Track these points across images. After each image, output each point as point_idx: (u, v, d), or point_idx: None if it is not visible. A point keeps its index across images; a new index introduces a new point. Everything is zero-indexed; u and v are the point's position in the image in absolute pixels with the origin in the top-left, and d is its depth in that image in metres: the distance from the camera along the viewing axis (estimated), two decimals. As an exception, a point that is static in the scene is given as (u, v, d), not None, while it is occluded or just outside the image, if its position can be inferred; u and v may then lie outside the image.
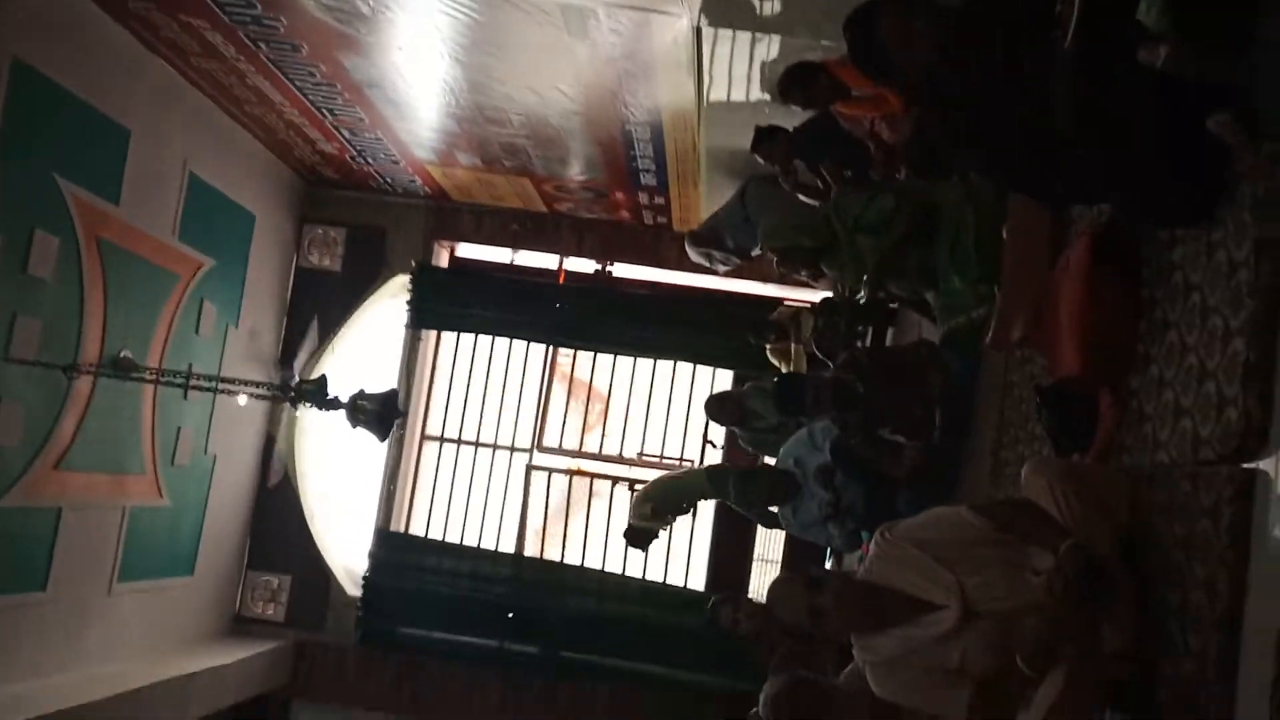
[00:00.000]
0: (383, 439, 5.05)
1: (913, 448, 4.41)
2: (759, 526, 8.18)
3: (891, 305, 6.07)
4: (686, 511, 7.04)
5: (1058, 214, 3.16)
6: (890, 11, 2.65)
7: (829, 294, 6.34)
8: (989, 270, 3.76)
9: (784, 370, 6.77)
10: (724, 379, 8.40)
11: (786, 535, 7.41)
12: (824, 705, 3.54)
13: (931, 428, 4.33)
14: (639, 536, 6.76)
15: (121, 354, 5.97)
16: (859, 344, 5.84)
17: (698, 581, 8.25)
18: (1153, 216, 2.47)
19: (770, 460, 6.40)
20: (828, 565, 5.87)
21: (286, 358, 7.95)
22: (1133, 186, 2.32)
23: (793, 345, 6.75)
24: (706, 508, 8.33)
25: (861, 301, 5.19)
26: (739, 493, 5.58)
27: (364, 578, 7.94)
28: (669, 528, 6.99)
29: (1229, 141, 2.21)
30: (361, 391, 4.95)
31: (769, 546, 8.27)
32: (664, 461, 8.61)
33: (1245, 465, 2.13)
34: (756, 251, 6.02)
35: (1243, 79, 2.19)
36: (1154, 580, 2.35)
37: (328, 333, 8.06)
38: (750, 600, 4.90)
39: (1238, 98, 2.20)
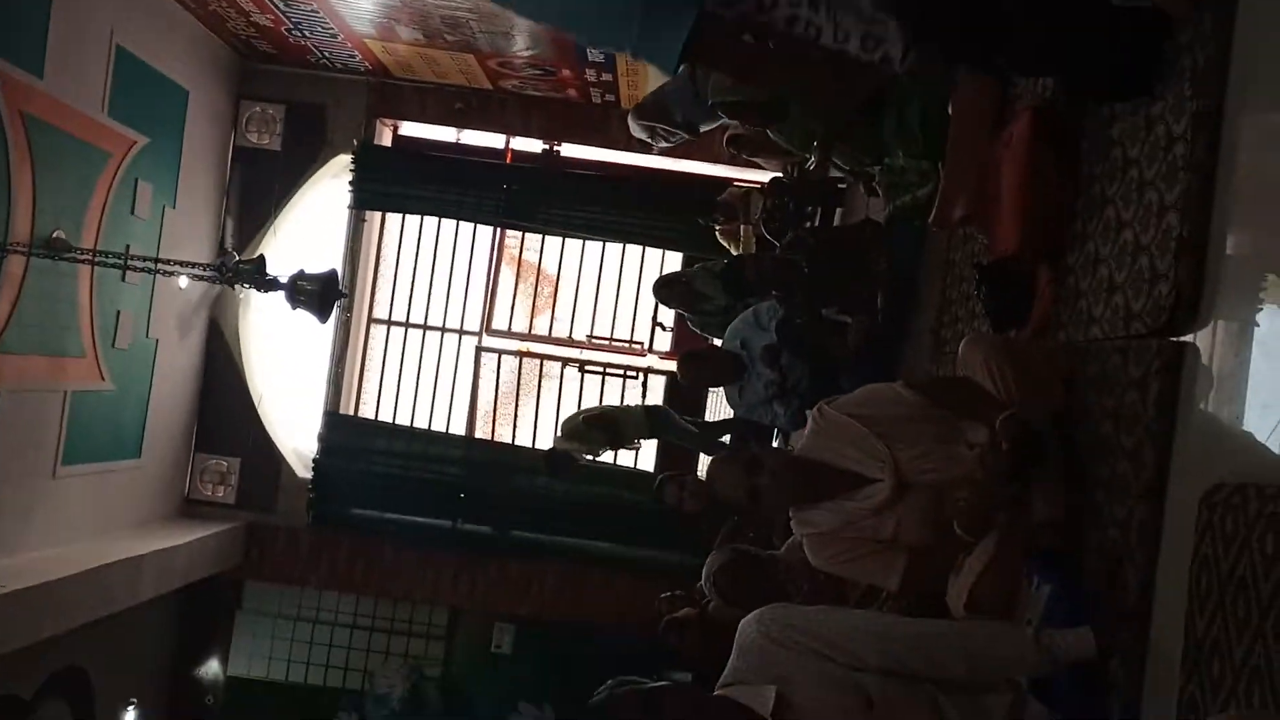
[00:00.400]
0: (323, 320, 5.00)
1: (856, 327, 4.44)
2: (708, 406, 8.28)
3: (840, 185, 6.04)
4: (622, 447, 6.96)
5: (1002, 90, 3.14)
6: None
7: (778, 175, 6.30)
8: (933, 147, 3.74)
9: (733, 252, 6.76)
10: (673, 261, 8.37)
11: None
12: (764, 577, 3.64)
13: (875, 307, 4.36)
14: (559, 462, 6.67)
15: (54, 234, 5.81)
16: (807, 224, 5.83)
17: (647, 462, 8.36)
18: (1093, 90, 2.46)
19: (718, 343, 6.45)
20: (775, 445, 5.96)
21: (225, 238, 7.80)
22: (1073, 59, 2.30)
23: (741, 227, 6.72)
24: (657, 387, 8.40)
25: (810, 168, 5.14)
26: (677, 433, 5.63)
27: (314, 460, 7.95)
28: (593, 458, 6.90)
29: (1169, 13, 2.19)
30: (301, 272, 4.87)
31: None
32: (613, 344, 8.63)
33: (1175, 339, 2.16)
34: (706, 127, 5.93)
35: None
36: (1084, 452, 2.41)
37: (268, 213, 7.90)
38: (695, 478, 4.97)
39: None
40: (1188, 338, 2.14)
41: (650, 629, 4.77)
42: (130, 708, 7.80)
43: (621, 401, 8.32)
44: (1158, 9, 2.19)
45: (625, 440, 6.84)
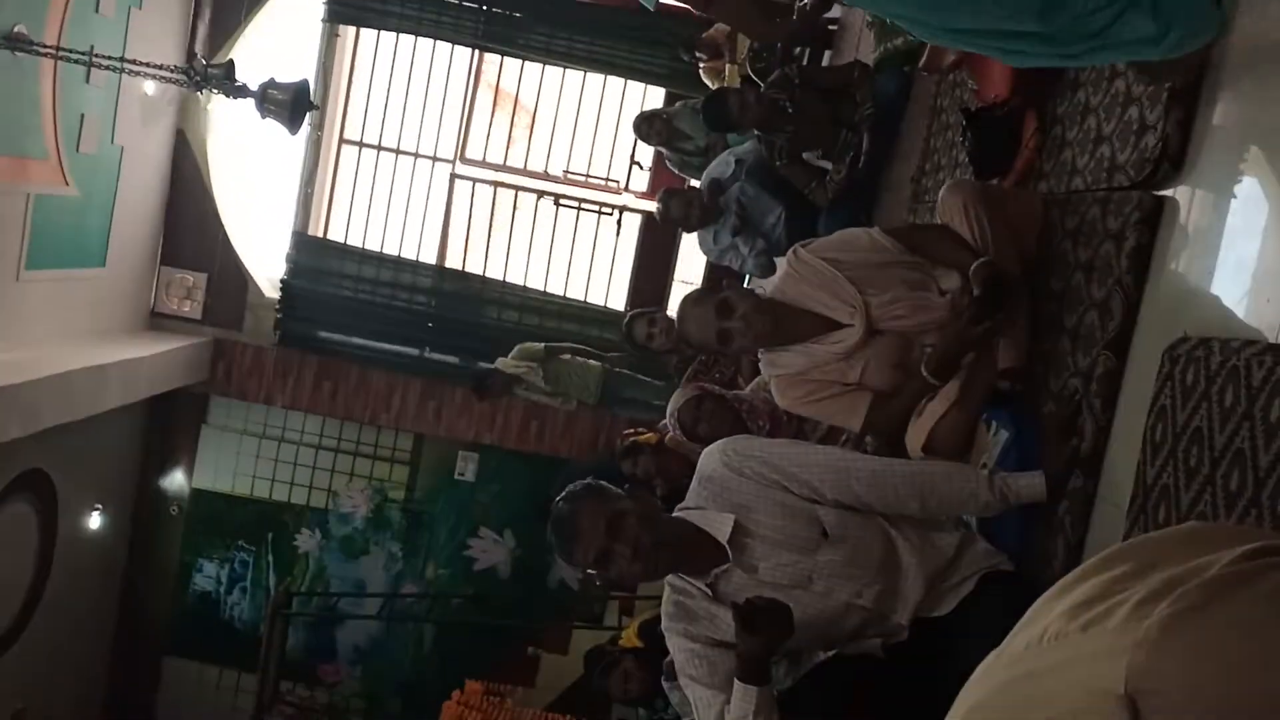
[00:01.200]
0: (293, 131, 4.87)
1: (836, 171, 4.40)
2: (680, 247, 8.26)
3: (830, 26, 5.90)
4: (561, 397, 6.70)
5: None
6: None
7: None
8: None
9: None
10: (655, 97, 8.20)
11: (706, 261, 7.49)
12: (726, 415, 3.69)
13: (858, 151, 4.31)
14: (489, 382, 6.47)
15: (15, 28, 5.58)
16: (794, 63, 5.70)
17: (618, 300, 8.37)
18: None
19: (694, 183, 6.38)
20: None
21: (193, 44, 7.53)
22: None
23: (727, 65, 6.57)
24: (632, 225, 8.35)
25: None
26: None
27: (281, 281, 7.89)
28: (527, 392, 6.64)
29: None
30: (272, 80, 4.72)
31: (690, 267, 8.38)
32: (590, 180, 8.52)
33: (1156, 193, 2.16)
34: None
35: None
36: (1053, 302, 2.43)
37: (239, 19, 7.61)
38: (665, 315, 4.98)
39: None
40: (1169, 192, 2.13)
41: (611, 463, 4.86)
42: (94, 512, 7.93)
43: (595, 236, 8.29)
44: None
45: (567, 395, 6.62)
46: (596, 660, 4.86)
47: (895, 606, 2.27)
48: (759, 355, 2.79)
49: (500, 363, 6.60)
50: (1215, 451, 1.76)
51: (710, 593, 2.28)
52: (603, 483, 2.33)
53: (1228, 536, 0.65)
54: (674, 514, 2.35)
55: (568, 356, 6.72)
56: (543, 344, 6.73)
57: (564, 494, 2.27)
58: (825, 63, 6.03)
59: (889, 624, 2.29)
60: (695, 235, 5.43)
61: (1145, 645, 0.59)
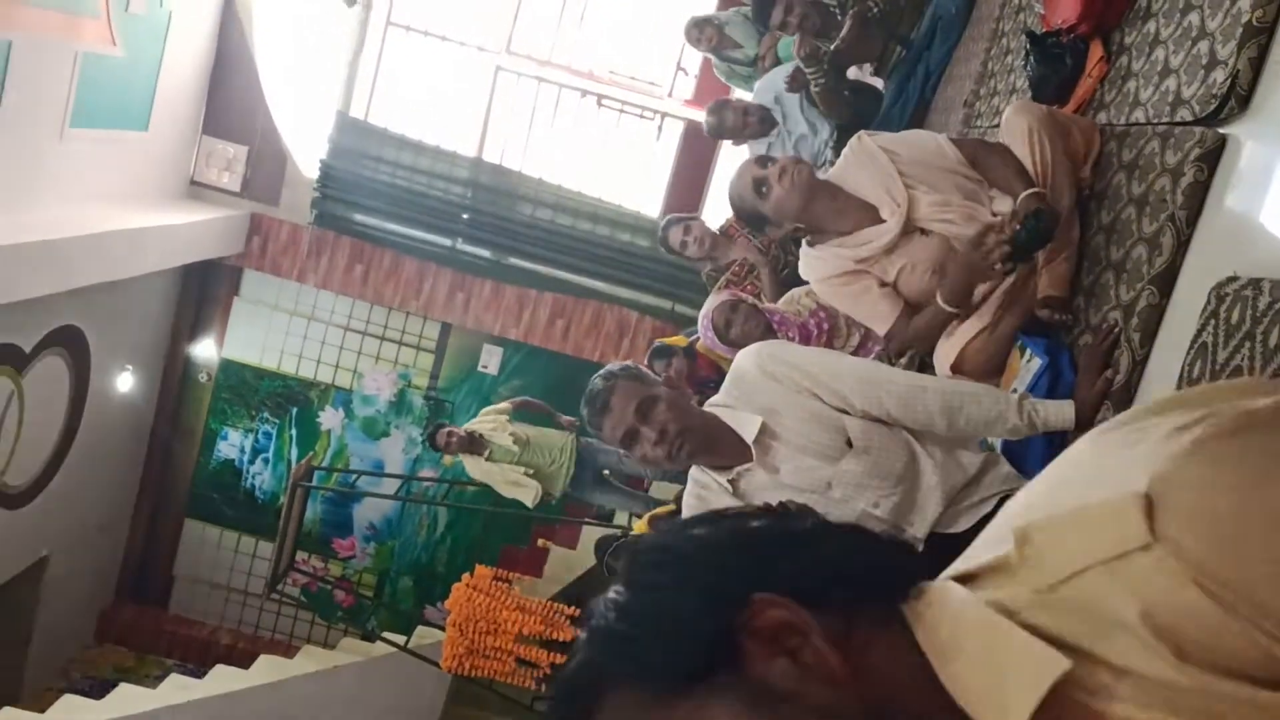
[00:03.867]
0: (350, 4, 4.82)
1: (886, 85, 4.35)
2: (718, 157, 8.19)
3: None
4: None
5: None
6: None
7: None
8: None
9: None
10: (708, 1, 8.07)
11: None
12: (759, 322, 3.72)
13: (912, 67, 4.25)
14: (447, 440, 6.13)
15: (72, -120, 5.52)
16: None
17: (653, 208, 8.34)
18: None
19: (739, 93, 6.30)
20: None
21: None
22: None
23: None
24: (673, 132, 8.27)
25: None
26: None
27: (321, 161, 7.89)
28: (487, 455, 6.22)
29: None
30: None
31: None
32: (634, 81, 8.43)
33: (1220, 130, 2.13)
34: None
35: None
36: (1101, 234, 2.42)
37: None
38: (702, 223, 4.97)
39: None
40: (1232, 130, 2.11)
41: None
42: (126, 372, 8.07)
43: (635, 140, 8.21)
44: None
45: (533, 468, 6.17)
46: (607, 545, 4.97)
47: (912, 519, 2.31)
48: (802, 248, 2.79)
49: (474, 422, 6.38)
50: (1251, 390, 1.77)
51: (731, 488, 2.33)
52: (640, 367, 2.37)
53: None
54: (704, 407, 2.39)
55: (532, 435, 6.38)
56: (508, 402, 6.56)
57: (603, 371, 2.32)
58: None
59: (904, 537, 2.33)
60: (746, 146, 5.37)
61: (1174, 456, 0.63)
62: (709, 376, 4.46)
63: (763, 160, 2.62)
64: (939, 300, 2.49)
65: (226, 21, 7.73)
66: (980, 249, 2.38)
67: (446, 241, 8.03)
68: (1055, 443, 2.34)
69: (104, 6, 6.22)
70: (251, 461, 8.65)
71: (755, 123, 5.03)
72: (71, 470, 7.60)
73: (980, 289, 2.55)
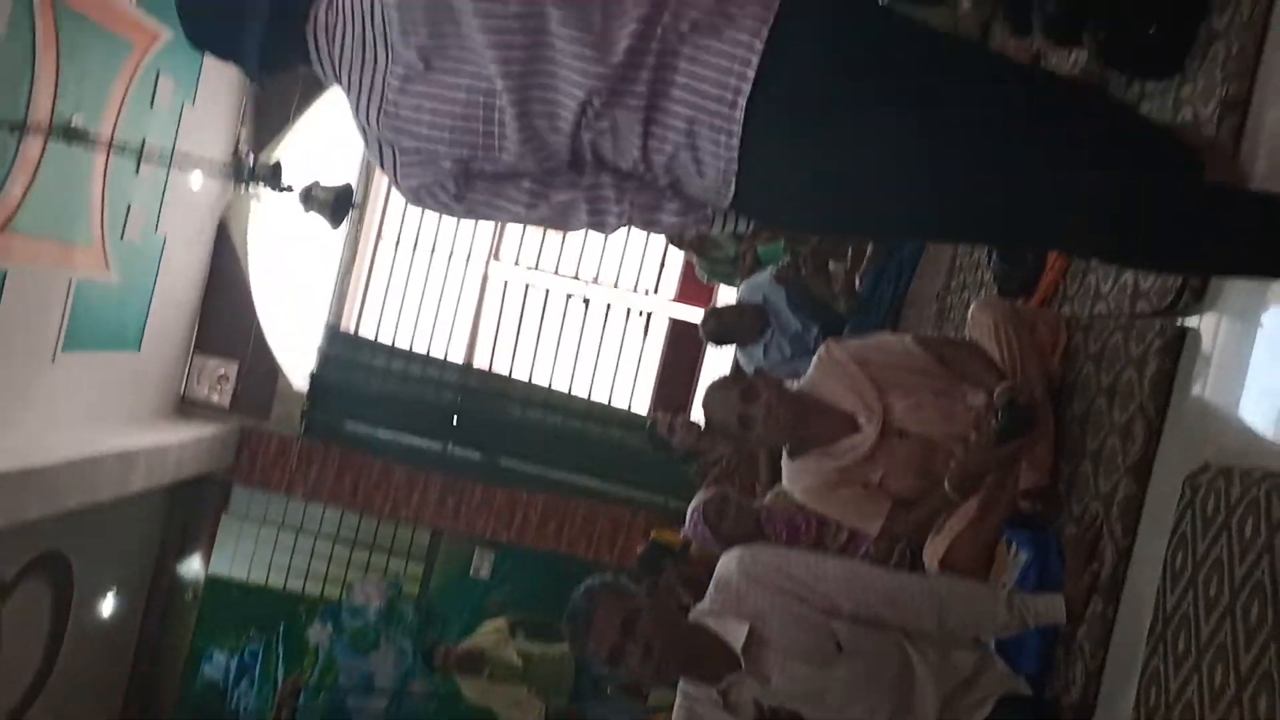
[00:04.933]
0: (335, 226, 5.01)
1: (861, 281, 4.46)
2: (706, 356, 8.31)
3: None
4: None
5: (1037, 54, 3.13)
6: None
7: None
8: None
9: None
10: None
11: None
12: (748, 517, 3.69)
13: (883, 264, 4.38)
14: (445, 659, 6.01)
15: (73, 120, 5.79)
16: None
17: (642, 405, 8.41)
18: (1124, 66, 2.46)
19: (725, 292, 6.46)
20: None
21: (242, 141, 7.76)
22: (1107, 34, 2.30)
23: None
24: (659, 330, 8.43)
25: None
26: None
27: (311, 374, 7.99)
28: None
29: (1210, -4, 2.19)
30: (317, 182, 4.88)
31: (716, 374, 8.42)
32: (619, 284, 8.64)
33: (1178, 322, 2.18)
34: None
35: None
36: (1076, 425, 2.44)
37: (286, 119, 7.86)
38: (686, 416, 5.01)
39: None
40: (1191, 321, 2.16)
41: (629, 564, 4.84)
42: (109, 594, 7.92)
43: (622, 339, 8.36)
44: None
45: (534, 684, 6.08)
46: None
47: (910, 726, 2.24)
48: (783, 459, 2.81)
49: (477, 636, 6.34)
50: (1235, 582, 1.75)
51: (722, 700, 2.27)
52: (623, 580, 2.34)
53: None
54: (690, 618, 2.35)
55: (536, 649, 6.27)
56: (504, 618, 6.48)
57: (583, 588, 2.28)
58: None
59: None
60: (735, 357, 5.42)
61: None
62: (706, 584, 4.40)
63: (745, 392, 2.64)
64: (946, 487, 2.49)
65: (219, 241, 7.96)
66: (971, 450, 2.41)
67: (437, 445, 8.05)
68: (1049, 637, 2.29)
69: (98, 235, 6.41)
70: (237, 682, 8.38)
71: (751, 323, 5.13)
72: (49, 703, 7.35)
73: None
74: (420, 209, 1.92)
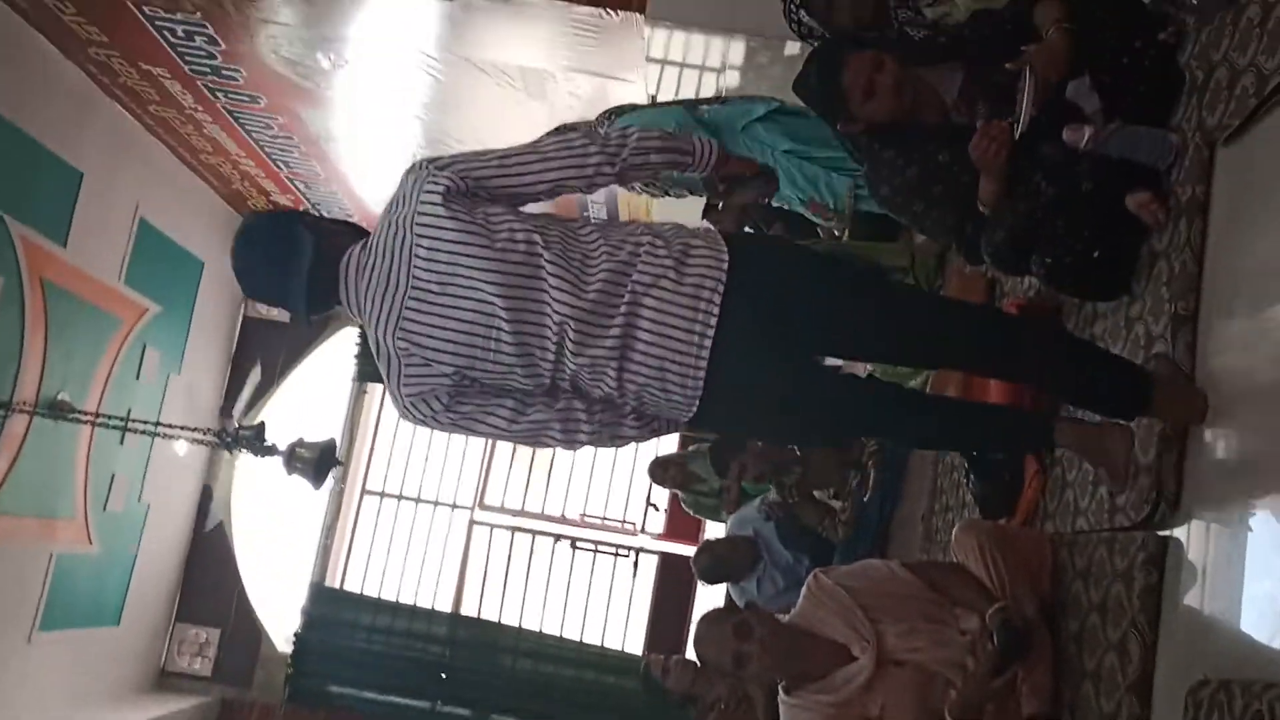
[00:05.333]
0: (318, 486, 5.03)
1: (843, 510, 4.47)
2: (698, 591, 8.18)
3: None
4: None
5: (989, 283, 3.27)
6: (857, 60, 2.68)
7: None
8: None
9: (728, 434, 6.81)
10: (669, 440, 8.44)
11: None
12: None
13: (864, 491, 4.40)
14: None
15: (59, 396, 5.89)
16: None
17: (636, 645, 8.21)
18: (1074, 291, 2.57)
19: (712, 526, 6.44)
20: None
21: (227, 405, 7.88)
22: (1051, 261, 2.42)
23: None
24: (649, 568, 8.33)
25: None
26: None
27: (295, 634, 7.81)
28: None
29: (1147, 220, 2.32)
30: (300, 440, 4.93)
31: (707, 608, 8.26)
32: (606, 522, 8.60)
33: (1159, 533, 2.20)
34: None
35: (1162, 160, 2.31)
36: (1072, 644, 2.41)
37: (271, 382, 8.00)
38: (680, 658, 4.88)
39: (1157, 178, 2.32)
40: (1171, 531, 2.18)
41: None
42: None
43: (612, 579, 8.25)
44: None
45: None
46: None
47: None
48: (779, 696, 2.74)
49: None
50: (1252, 801, 1.70)
51: None
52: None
53: None
54: None
55: None
56: None
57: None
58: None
59: None
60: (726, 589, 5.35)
61: None
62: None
63: (738, 628, 2.62)
64: (947, 717, 2.42)
65: (203, 507, 7.94)
66: (968, 680, 2.36)
67: (425, 705, 7.78)
68: None
69: (81, 507, 6.40)
70: None
71: (744, 557, 5.08)
72: None
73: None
74: (411, 426, 2.33)
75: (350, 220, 2.31)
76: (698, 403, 2.02)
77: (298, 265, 2.09)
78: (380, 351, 2.09)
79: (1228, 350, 2.13)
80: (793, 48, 3.99)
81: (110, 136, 6.09)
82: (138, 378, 6.77)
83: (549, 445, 2.13)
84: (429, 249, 2.01)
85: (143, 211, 6.56)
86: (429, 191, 2.03)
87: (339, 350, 8.25)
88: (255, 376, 6.97)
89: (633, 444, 2.31)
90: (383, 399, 8.68)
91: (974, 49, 2.63)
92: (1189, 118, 2.31)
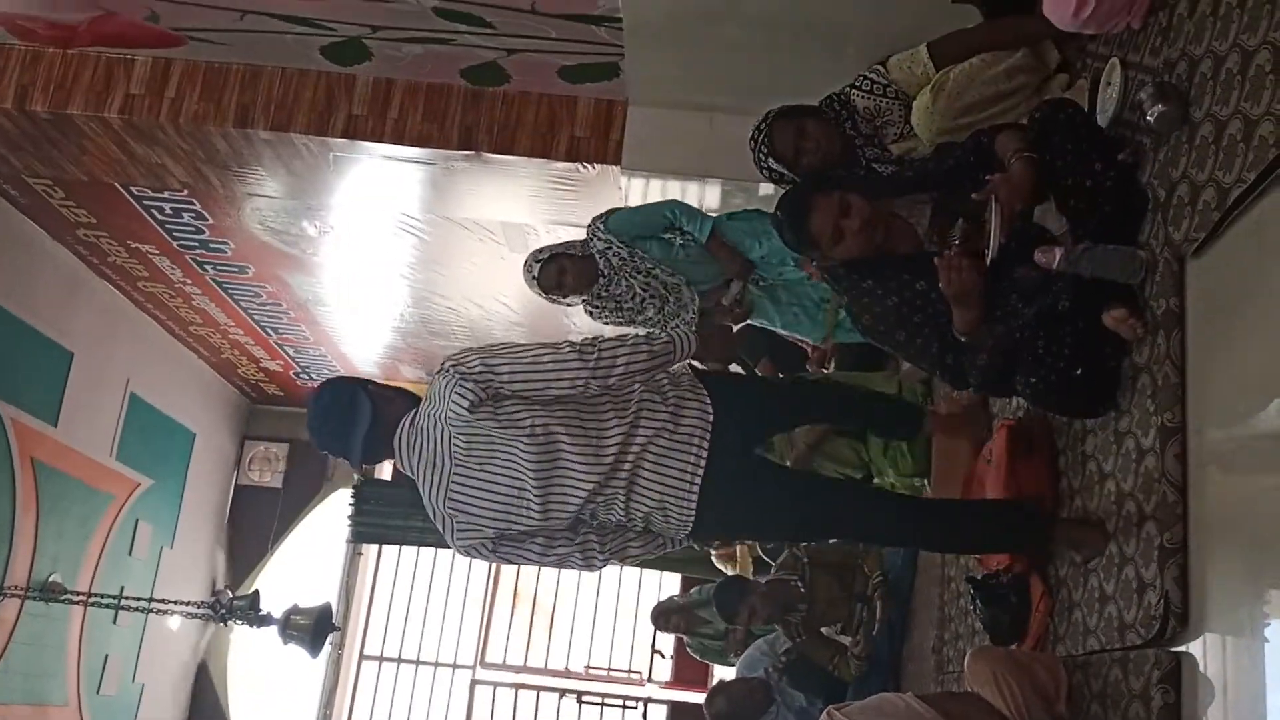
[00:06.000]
0: (314, 655, 4.92)
1: (854, 644, 4.38)
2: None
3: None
4: None
5: (982, 405, 3.29)
6: (824, 205, 2.76)
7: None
8: (922, 462, 3.85)
9: (729, 573, 6.73)
10: (671, 583, 8.31)
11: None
12: None
13: (873, 621, 4.33)
14: None
15: (50, 577, 5.81)
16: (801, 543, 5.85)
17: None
18: (1060, 409, 2.59)
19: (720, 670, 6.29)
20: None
21: (220, 576, 7.77)
22: (1036, 380, 2.44)
23: (738, 548, 6.73)
24: (658, 717, 8.10)
25: None
26: None
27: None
28: None
29: (1125, 336, 2.35)
30: (295, 606, 4.84)
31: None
32: (612, 674, 8.40)
33: (1171, 649, 2.16)
34: None
35: (1134, 277, 2.35)
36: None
37: (265, 548, 7.92)
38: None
39: (1132, 294, 2.36)
40: (1184, 647, 2.14)
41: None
42: None
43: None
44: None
45: None
46: None
47: None
48: None
49: None
50: None
51: None
52: None
53: None
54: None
55: None
56: None
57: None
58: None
59: None
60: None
61: None
62: None
63: None
64: None
65: (199, 682, 7.74)
66: None
67: None
68: None
69: (74, 692, 6.24)
70: None
71: (758, 699, 4.96)
72: None
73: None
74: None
75: (402, 388, 2.77)
76: (691, 524, 2.53)
77: (356, 429, 2.57)
78: (435, 512, 2.59)
79: (1219, 458, 2.13)
80: (767, 189, 4.09)
81: (100, 315, 6.17)
82: (130, 553, 6.69)
83: (573, 569, 2.70)
84: (465, 445, 2.51)
85: (134, 386, 6.59)
86: (455, 403, 2.47)
87: (332, 514, 8.18)
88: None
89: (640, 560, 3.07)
90: (379, 560, 8.58)
91: (940, 181, 2.71)
92: (1156, 234, 2.36)
